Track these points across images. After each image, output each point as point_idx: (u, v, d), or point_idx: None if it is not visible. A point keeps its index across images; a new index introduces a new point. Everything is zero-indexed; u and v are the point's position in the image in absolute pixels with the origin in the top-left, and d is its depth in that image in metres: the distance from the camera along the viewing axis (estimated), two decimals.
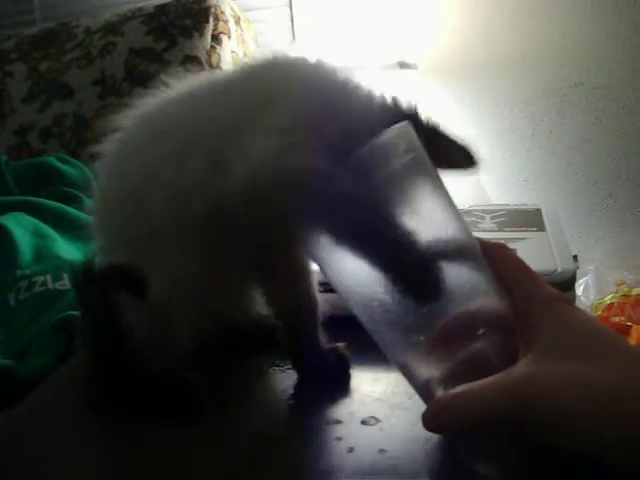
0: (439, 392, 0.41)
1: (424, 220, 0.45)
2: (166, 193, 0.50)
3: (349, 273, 0.45)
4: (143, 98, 0.57)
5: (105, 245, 0.57)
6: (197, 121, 0.51)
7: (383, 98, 0.50)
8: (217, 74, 0.58)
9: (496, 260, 0.44)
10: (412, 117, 0.47)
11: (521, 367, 0.39)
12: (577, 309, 0.42)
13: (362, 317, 0.45)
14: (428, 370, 0.43)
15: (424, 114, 0.48)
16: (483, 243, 0.45)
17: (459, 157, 0.48)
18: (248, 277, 0.57)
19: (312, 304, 0.55)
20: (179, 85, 0.56)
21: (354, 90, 0.50)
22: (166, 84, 0.56)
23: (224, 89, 0.53)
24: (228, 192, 0.47)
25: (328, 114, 0.47)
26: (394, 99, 0.49)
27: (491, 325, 0.42)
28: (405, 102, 0.49)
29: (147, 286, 0.50)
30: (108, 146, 0.56)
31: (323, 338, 0.55)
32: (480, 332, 0.41)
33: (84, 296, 0.54)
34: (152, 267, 0.51)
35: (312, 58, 0.53)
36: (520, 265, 0.45)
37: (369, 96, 0.50)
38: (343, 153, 0.42)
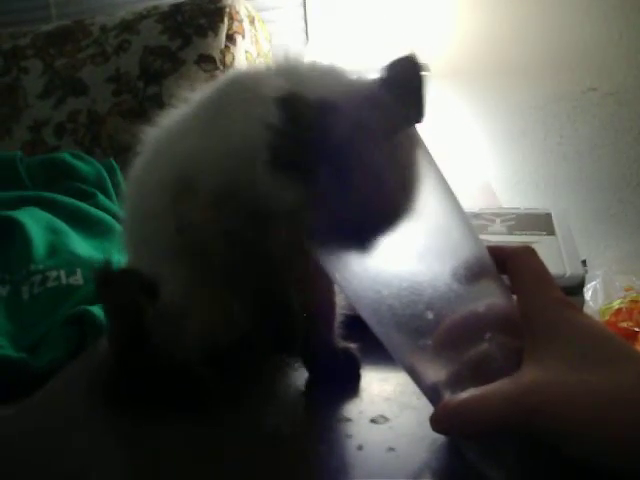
0: (446, 395, 0.42)
1: (429, 224, 0.45)
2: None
3: (357, 277, 0.45)
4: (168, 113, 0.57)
5: (131, 251, 0.59)
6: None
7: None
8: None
9: (515, 263, 0.45)
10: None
11: (527, 373, 0.39)
12: (583, 314, 0.42)
13: (370, 321, 0.45)
14: (435, 373, 0.44)
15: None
16: (510, 248, 0.46)
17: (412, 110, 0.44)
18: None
19: (329, 304, 0.56)
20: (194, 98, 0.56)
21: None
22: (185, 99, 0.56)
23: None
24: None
25: None
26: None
27: (498, 328, 0.43)
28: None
29: (159, 289, 0.52)
30: (135, 161, 0.58)
31: (337, 338, 0.56)
32: (487, 335, 0.42)
33: (110, 296, 0.55)
34: (168, 271, 0.52)
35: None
36: (533, 268, 0.45)
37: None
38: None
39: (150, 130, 0.57)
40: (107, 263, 0.55)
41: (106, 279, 0.55)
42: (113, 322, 0.56)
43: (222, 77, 0.55)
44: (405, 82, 0.43)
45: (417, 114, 0.44)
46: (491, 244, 0.46)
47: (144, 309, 0.52)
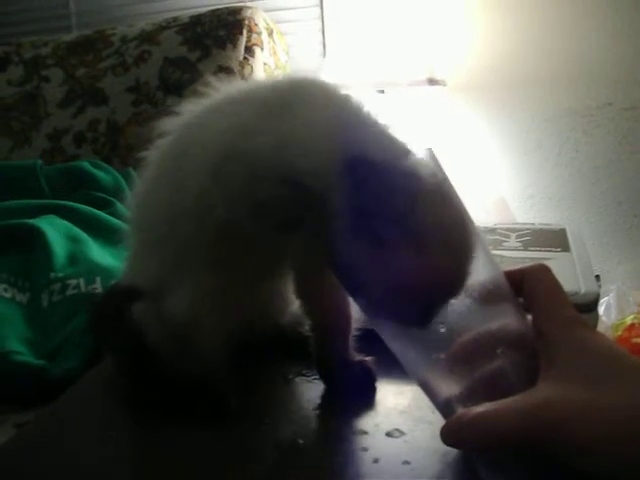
0: (459, 410, 0.42)
1: None
2: (190, 209, 0.50)
3: None
4: (177, 108, 0.56)
5: (135, 253, 0.58)
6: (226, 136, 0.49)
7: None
8: (250, 83, 0.56)
9: (530, 282, 0.46)
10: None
11: (540, 390, 0.40)
12: (595, 332, 0.43)
13: (384, 335, 0.46)
14: (448, 387, 0.44)
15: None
16: (525, 267, 0.47)
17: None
18: (274, 288, 0.58)
19: (345, 317, 0.56)
20: (213, 95, 0.55)
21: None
22: (201, 93, 0.55)
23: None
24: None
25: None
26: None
27: (510, 345, 0.43)
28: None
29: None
30: (146, 155, 0.56)
31: (353, 351, 0.56)
32: (499, 351, 0.43)
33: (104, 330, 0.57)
34: (179, 281, 0.52)
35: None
36: (547, 287, 0.46)
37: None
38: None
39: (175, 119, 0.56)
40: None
41: (100, 312, 0.56)
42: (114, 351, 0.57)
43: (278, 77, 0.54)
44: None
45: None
46: (506, 259, 0.47)
47: (141, 335, 0.53)
